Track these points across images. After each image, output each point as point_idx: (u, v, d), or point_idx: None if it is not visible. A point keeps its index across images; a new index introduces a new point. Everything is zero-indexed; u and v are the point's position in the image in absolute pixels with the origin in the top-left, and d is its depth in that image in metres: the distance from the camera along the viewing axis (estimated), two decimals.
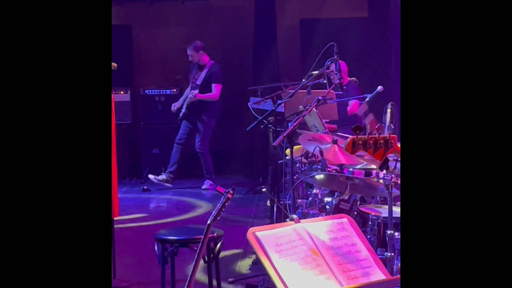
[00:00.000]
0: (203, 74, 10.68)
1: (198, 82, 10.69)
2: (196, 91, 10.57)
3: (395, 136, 3.32)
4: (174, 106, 10.86)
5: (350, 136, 3.29)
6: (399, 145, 3.32)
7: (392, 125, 4.67)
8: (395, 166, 4.43)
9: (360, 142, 3.27)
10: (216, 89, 10.62)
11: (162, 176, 10.88)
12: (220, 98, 10.62)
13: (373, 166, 5.22)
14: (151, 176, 10.81)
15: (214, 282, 4.59)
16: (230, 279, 6.30)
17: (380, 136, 3.29)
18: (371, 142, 3.27)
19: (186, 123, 10.81)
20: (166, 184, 10.83)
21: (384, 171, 4.49)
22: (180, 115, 10.73)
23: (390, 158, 4.24)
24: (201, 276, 5.70)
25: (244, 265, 6.80)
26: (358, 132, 3.27)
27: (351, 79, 8.58)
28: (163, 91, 11.62)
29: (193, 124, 10.83)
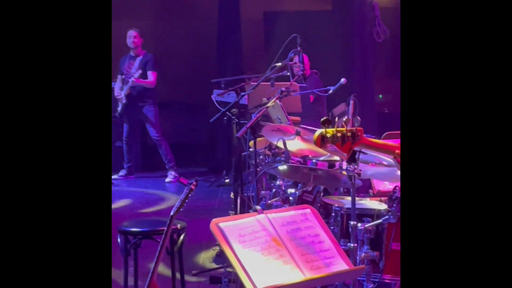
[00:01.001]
0: (137, 62, 10.60)
1: (133, 70, 10.59)
2: (135, 76, 10.47)
3: (362, 128, 3.33)
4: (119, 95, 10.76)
5: (318, 130, 3.29)
6: (366, 138, 3.35)
7: (358, 117, 4.68)
8: (358, 157, 4.45)
9: (329, 136, 3.27)
10: (152, 76, 10.55)
11: (123, 171, 10.91)
12: (184, 90, 10.57)
13: (337, 158, 5.23)
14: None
15: (178, 275, 4.58)
16: (193, 272, 6.28)
17: (347, 129, 3.30)
18: (338, 135, 3.28)
19: (128, 119, 10.81)
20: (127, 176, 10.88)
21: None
22: (118, 109, 10.70)
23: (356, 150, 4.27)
24: (164, 268, 5.68)
25: (207, 257, 6.80)
26: (326, 125, 3.28)
27: (313, 71, 8.61)
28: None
29: (136, 117, 10.81)
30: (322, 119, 3.30)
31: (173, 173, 10.84)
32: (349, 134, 3.28)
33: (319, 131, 3.27)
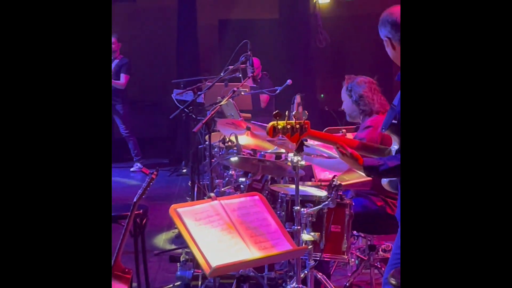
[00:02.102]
0: (113, 64, 10.43)
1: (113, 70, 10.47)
2: None
3: (308, 121, 3.36)
4: None
5: (271, 122, 3.32)
6: (312, 130, 3.38)
7: (306, 112, 4.71)
8: (302, 150, 4.47)
9: (280, 127, 3.29)
10: (124, 79, 10.40)
11: None
12: (149, 89, 10.49)
13: (283, 150, 5.25)
14: None
15: (140, 256, 4.56)
16: (155, 252, 6.27)
17: (296, 121, 3.32)
18: (288, 127, 3.30)
19: None
20: None
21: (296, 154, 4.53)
22: None
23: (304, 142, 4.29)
24: (128, 249, 5.65)
25: (167, 239, 6.79)
26: (278, 118, 3.30)
27: (263, 73, 8.64)
28: None
29: None
30: (274, 113, 3.32)
31: (138, 164, 10.75)
32: (297, 126, 3.31)
33: (271, 123, 3.29)
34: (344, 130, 5.50)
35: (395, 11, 3.35)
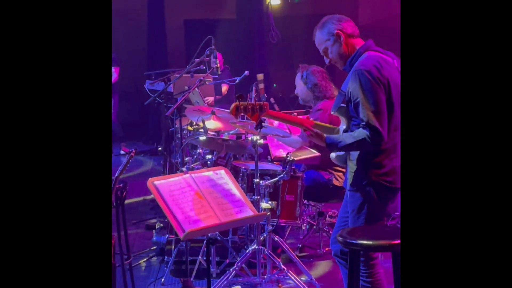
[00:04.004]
0: None
1: None
2: None
3: (267, 103, 3.40)
4: None
5: (234, 103, 3.34)
6: (270, 110, 3.41)
7: (265, 95, 4.73)
8: (259, 131, 4.49)
9: (242, 107, 3.31)
10: (115, 72, 10.09)
11: None
12: (123, 81, 10.35)
13: (242, 131, 5.27)
14: None
15: (121, 225, 4.53)
16: (133, 221, 6.25)
17: (257, 103, 3.35)
18: (249, 108, 3.32)
19: None
20: None
21: (251, 133, 4.54)
22: None
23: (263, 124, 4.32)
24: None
25: (144, 210, 6.77)
26: (240, 99, 3.32)
27: (225, 66, 8.63)
28: None
29: None
30: (237, 95, 3.35)
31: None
32: (257, 106, 3.33)
33: (234, 103, 3.31)
34: (295, 113, 5.54)
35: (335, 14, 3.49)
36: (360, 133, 3.21)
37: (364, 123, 3.19)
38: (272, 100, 7.98)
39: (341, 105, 3.35)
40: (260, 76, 5.64)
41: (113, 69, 10.05)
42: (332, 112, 3.53)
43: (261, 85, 5.01)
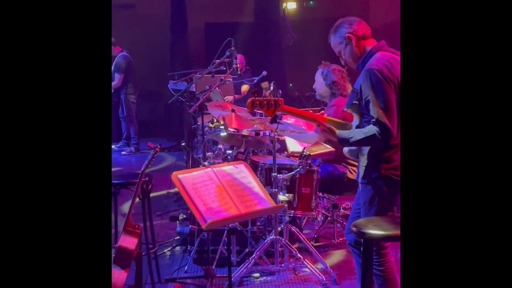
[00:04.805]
0: (113, 64, 10.05)
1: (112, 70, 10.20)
2: None
3: (282, 99, 3.40)
4: None
5: (250, 98, 3.34)
6: (285, 106, 3.40)
7: (280, 91, 4.74)
8: (277, 127, 4.49)
9: (257, 102, 3.31)
10: (117, 78, 9.96)
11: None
12: (148, 81, 10.31)
13: (261, 128, 5.28)
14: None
15: (147, 216, 4.56)
16: (158, 213, 6.27)
17: (272, 98, 3.34)
18: (265, 103, 3.32)
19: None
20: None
21: (269, 129, 4.54)
22: None
23: (279, 121, 4.32)
24: (136, 211, 5.66)
25: (169, 202, 6.78)
26: (256, 95, 3.33)
27: (246, 67, 8.65)
28: None
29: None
30: (253, 90, 3.36)
31: (132, 148, 10.43)
32: (272, 102, 3.33)
33: (250, 98, 3.31)
34: (311, 111, 5.54)
35: (348, 17, 3.49)
36: (371, 129, 3.21)
37: (374, 120, 3.19)
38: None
39: (354, 102, 3.34)
40: (265, 85, 5.63)
41: (118, 76, 9.96)
42: (345, 109, 3.53)
43: (266, 93, 5.00)
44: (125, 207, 6.11)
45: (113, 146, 10.68)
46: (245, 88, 8.46)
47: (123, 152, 10.40)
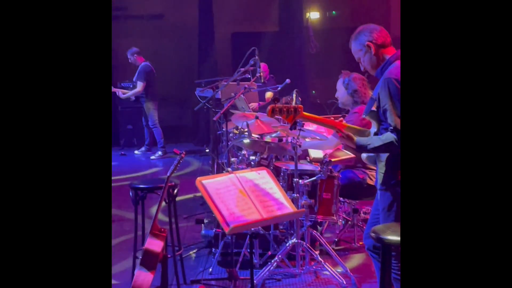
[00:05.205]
0: (136, 73, 10.39)
1: (134, 79, 10.44)
2: (121, 92, 10.38)
3: (302, 106, 3.37)
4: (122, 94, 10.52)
5: (270, 105, 3.32)
6: (304, 113, 3.37)
7: (299, 98, 4.71)
8: (299, 134, 4.48)
9: (277, 109, 3.29)
10: (139, 86, 10.25)
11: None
12: (176, 88, 10.39)
13: (284, 134, 5.25)
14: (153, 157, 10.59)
15: (173, 219, 4.57)
16: (184, 216, 6.28)
17: (291, 105, 3.32)
18: (284, 110, 3.30)
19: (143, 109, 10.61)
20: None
21: (291, 136, 4.51)
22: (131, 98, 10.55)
23: (298, 128, 4.29)
24: (162, 214, 5.67)
25: (194, 206, 6.79)
26: (276, 102, 3.31)
27: (270, 75, 8.64)
28: (131, 84, 11.25)
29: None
30: (273, 98, 3.35)
31: (159, 152, 10.52)
32: (292, 109, 3.30)
33: (271, 105, 3.30)
34: (332, 118, 5.50)
35: (369, 25, 3.47)
36: (388, 136, 3.18)
37: (392, 128, 3.17)
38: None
39: (372, 109, 3.32)
40: (269, 94, 5.60)
41: (140, 83, 10.22)
42: (363, 116, 3.50)
43: (294, 96, 4.96)
44: (152, 210, 6.13)
45: (136, 151, 10.80)
46: (269, 95, 8.45)
47: (151, 157, 10.49)
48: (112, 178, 8.46)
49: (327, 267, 4.46)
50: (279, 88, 6.36)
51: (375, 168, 3.77)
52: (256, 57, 5.36)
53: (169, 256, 4.11)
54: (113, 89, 10.41)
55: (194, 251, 5.29)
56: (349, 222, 5.44)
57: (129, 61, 10.49)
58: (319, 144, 5.26)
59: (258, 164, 5.25)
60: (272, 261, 4.50)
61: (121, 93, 10.41)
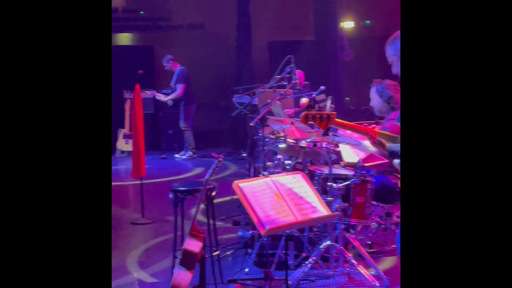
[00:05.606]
0: (174, 78, 10.55)
1: (172, 84, 10.58)
2: (162, 96, 10.50)
3: (335, 113, 3.33)
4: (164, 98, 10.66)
5: (304, 112, 3.29)
6: (337, 119, 3.33)
7: (332, 105, 4.67)
8: (333, 139, 4.43)
9: (311, 116, 3.26)
10: (179, 89, 10.40)
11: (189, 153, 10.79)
12: (215, 94, 10.48)
13: (318, 139, 5.21)
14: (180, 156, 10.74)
15: (211, 221, 4.57)
16: (221, 217, 6.29)
17: (325, 112, 3.29)
18: (318, 116, 3.26)
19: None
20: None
21: (326, 141, 4.48)
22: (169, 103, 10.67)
23: (330, 133, 4.24)
24: (201, 216, 5.68)
25: (231, 208, 6.79)
26: (309, 109, 3.28)
27: (305, 82, 8.60)
28: (170, 90, 11.31)
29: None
30: (307, 105, 3.31)
31: (189, 152, 10.72)
32: (325, 116, 3.27)
33: (304, 112, 3.26)
34: (366, 124, 5.45)
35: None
36: None
37: None
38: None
39: None
40: (304, 100, 5.56)
41: (180, 86, 10.38)
42: (395, 123, 3.45)
43: (328, 103, 4.91)
44: (191, 212, 6.15)
45: (176, 155, 10.88)
46: (304, 101, 8.41)
47: (183, 157, 10.73)
48: (153, 181, 8.55)
49: (361, 269, 4.41)
50: (314, 95, 6.31)
51: None
52: (292, 65, 5.34)
53: (207, 256, 4.11)
54: (155, 94, 10.55)
55: (231, 251, 5.29)
56: (382, 226, 5.37)
57: (165, 68, 10.66)
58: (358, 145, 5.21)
59: (293, 169, 5.23)
60: (306, 262, 4.46)
61: (162, 97, 10.53)
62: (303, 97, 7.99)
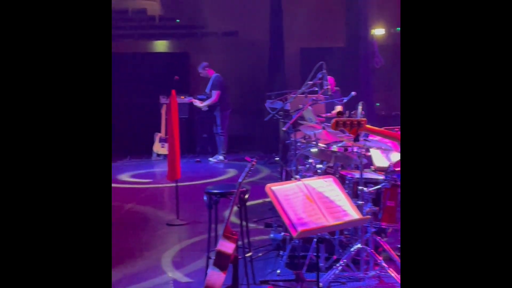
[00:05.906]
0: (209, 84, 10.58)
1: (207, 90, 10.61)
2: (199, 102, 10.53)
3: (365, 119, 3.29)
4: (200, 103, 10.67)
5: (335, 118, 3.26)
6: (367, 125, 3.29)
7: (363, 111, 4.62)
8: (364, 144, 4.39)
9: (341, 122, 3.23)
10: (214, 95, 10.42)
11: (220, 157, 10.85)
12: (249, 99, 10.47)
13: (349, 144, 5.17)
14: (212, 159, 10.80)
15: (244, 223, 4.56)
16: (254, 220, 6.27)
17: (355, 119, 3.26)
18: (348, 123, 3.23)
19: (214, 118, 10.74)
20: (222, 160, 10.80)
21: (357, 146, 4.43)
22: (204, 109, 10.69)
23: (360, 138, 4.20)
24: (234, 218, 5.67)
25: (264, 210, 6.77)
26: (340, 115, 3.26)
27: (336, 88, 8.54)
28: (205, 96, 11.35)
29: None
30: (338, 111, 3.28)
31: (220, 157, 10.75)
32: (355, 122, 3.24)
33: (335, 119, 3.24)
34: (396, 129, 5.38)
35: None
36: None
37: None
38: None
39: None
40: (338, 108, 5.50)
41: (215, 92, 10.42)
42: None
43: (359, 109, 4.86)
44: (225, 214, 6.15)
45: (210, 159, 10.91)
46: (338, 109, 8.36)
47: (214, 160, 10.76)
48: (188, 183, 8.58)
49: (391, 272, 4.35)
50: (344, 101, 6.26)
51: None
52: (324, 71, 5.31)
53: (239, 257, 4.10)
54: (192, 100, 10.62)
55: (263, 253, 5.26)
56: None
57: (201, 75, 10.71)
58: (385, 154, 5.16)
59: (325, 173, 5.19)
60: (337, 264, 4.42)
61: (198, 103, 10.59)
62: (334, 103, 7.94)
